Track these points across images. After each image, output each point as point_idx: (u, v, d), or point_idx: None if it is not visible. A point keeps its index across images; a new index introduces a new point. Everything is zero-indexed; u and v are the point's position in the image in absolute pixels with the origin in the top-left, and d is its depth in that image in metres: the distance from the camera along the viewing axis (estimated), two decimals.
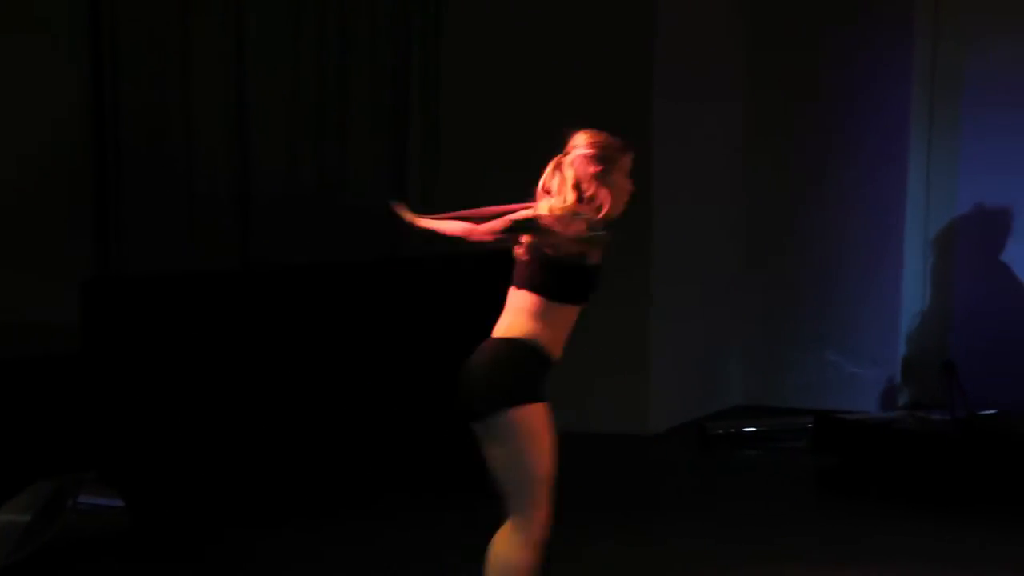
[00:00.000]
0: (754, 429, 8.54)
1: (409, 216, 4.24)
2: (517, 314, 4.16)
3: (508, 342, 4.12)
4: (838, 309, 8.96)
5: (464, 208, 4.24)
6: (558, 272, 4.13)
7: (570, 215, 4.11)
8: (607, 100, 8.26)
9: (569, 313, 4.18)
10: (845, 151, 8.90)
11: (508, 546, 4.09)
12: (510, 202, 4.22)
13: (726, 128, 9.05)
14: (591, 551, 5.99)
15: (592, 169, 4.18)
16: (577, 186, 4.16)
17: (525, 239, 4.15)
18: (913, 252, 8.84)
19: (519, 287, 4.17)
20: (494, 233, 4.11)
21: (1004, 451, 7.02)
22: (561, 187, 4.18)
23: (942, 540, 6.29)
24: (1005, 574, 5.80)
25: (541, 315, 4.13)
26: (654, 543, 6.22)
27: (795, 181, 9.04)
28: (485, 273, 7.57)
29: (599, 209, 4.15)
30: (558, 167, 4.21)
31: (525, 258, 4.17)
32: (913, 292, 8.87)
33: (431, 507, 6.70)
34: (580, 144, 4.21)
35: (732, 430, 8.52)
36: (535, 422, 4.08)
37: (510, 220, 4.12)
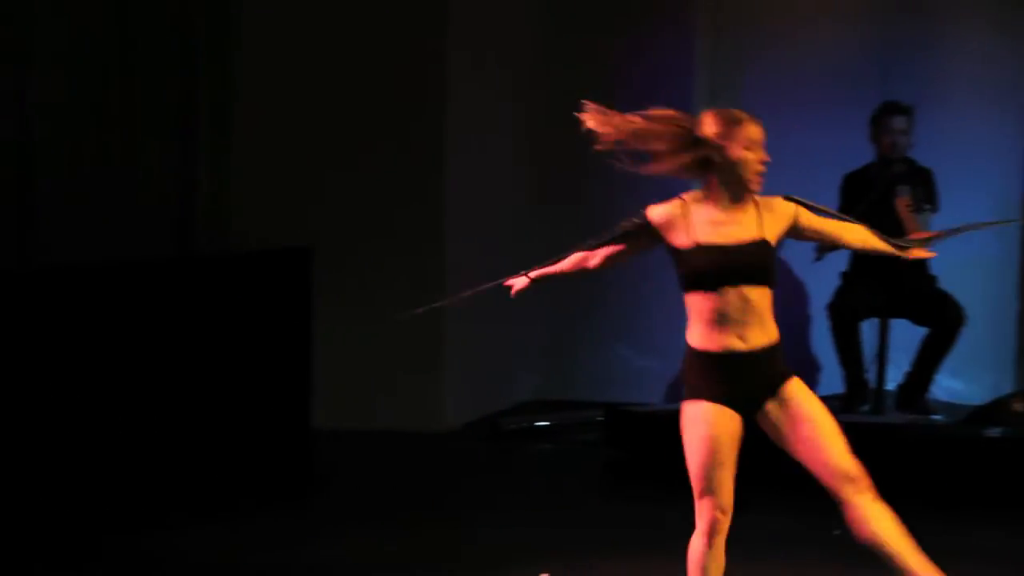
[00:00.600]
0: (547, 423, 8.63)
1: (520, 282, 4.49)
2: None
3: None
4: (628, 303, 9.10)
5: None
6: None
7: None
8: (400, 93, 8.27)
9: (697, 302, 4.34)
10: None
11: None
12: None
13: (518, 124, 9.11)
14: (381, 551, 5.99)
15: None
16: None
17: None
18: None
19: None
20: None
21: None
22: None
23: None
24: (792, 554, 6.01)
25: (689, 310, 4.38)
26: (442, 540, 6.23)
27: (582, 180, 9.09)
28: (277, 271, 7.53)
29: None
30: None
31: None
32: None
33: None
34: None
35: (525, 425, 8.60)
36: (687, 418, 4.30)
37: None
